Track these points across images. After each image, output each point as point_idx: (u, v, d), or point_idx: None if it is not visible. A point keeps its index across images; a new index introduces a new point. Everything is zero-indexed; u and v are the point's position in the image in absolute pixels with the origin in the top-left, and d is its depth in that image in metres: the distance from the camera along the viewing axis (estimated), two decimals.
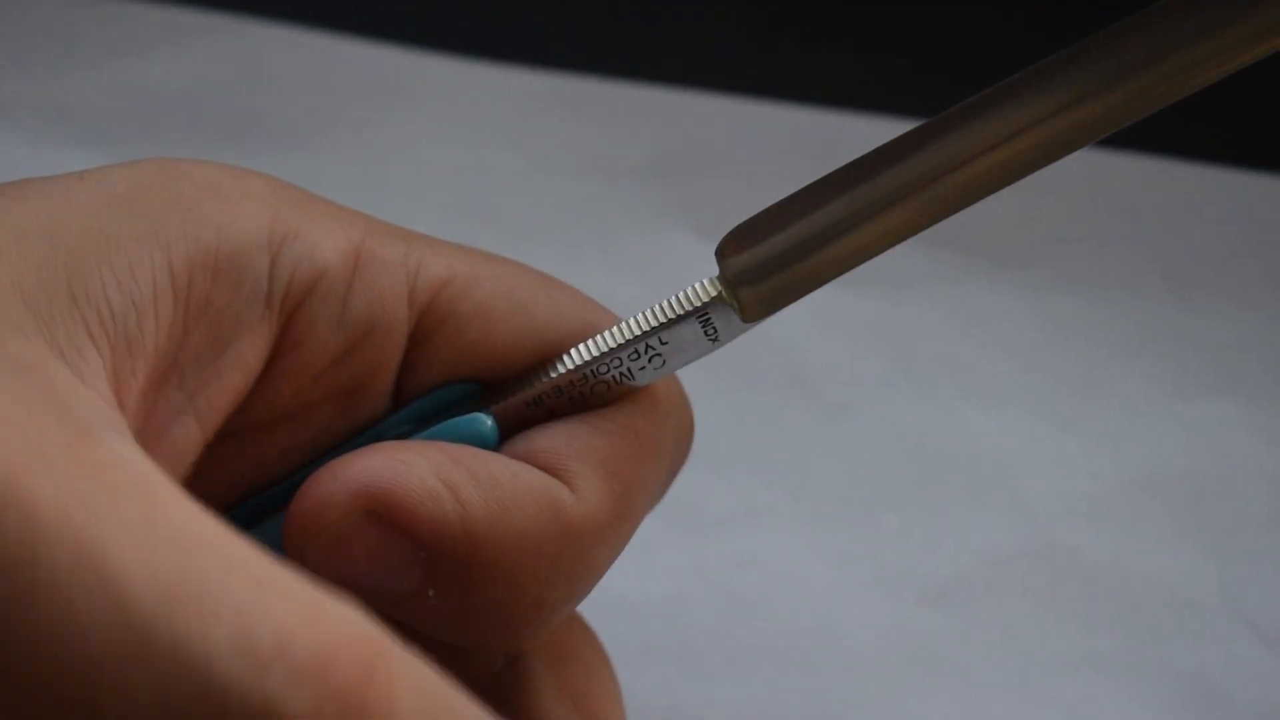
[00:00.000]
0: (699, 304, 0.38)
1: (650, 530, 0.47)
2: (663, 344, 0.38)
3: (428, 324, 0.38)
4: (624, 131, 0.60)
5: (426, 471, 0.36)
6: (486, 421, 0.38)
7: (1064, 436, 0.52)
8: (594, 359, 0.38)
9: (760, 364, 0.54)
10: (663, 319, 0.38)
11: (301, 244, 0.36)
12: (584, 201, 0.58)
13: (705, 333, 0.38)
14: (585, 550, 0.37)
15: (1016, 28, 0.61)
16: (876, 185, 0.37)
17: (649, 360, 0.38)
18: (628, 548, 0.39)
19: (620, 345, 0.38)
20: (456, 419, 0.38)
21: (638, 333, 0.38)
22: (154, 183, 0.35)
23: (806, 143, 0.58)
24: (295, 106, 0.61)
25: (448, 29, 0.63)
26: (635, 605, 0.48)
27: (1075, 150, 0.36)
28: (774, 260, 0.37)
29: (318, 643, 0.29)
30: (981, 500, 0.52)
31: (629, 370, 0.38)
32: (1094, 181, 0.57)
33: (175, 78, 0.62)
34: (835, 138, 0.58)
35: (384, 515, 0.35)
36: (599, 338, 0.38)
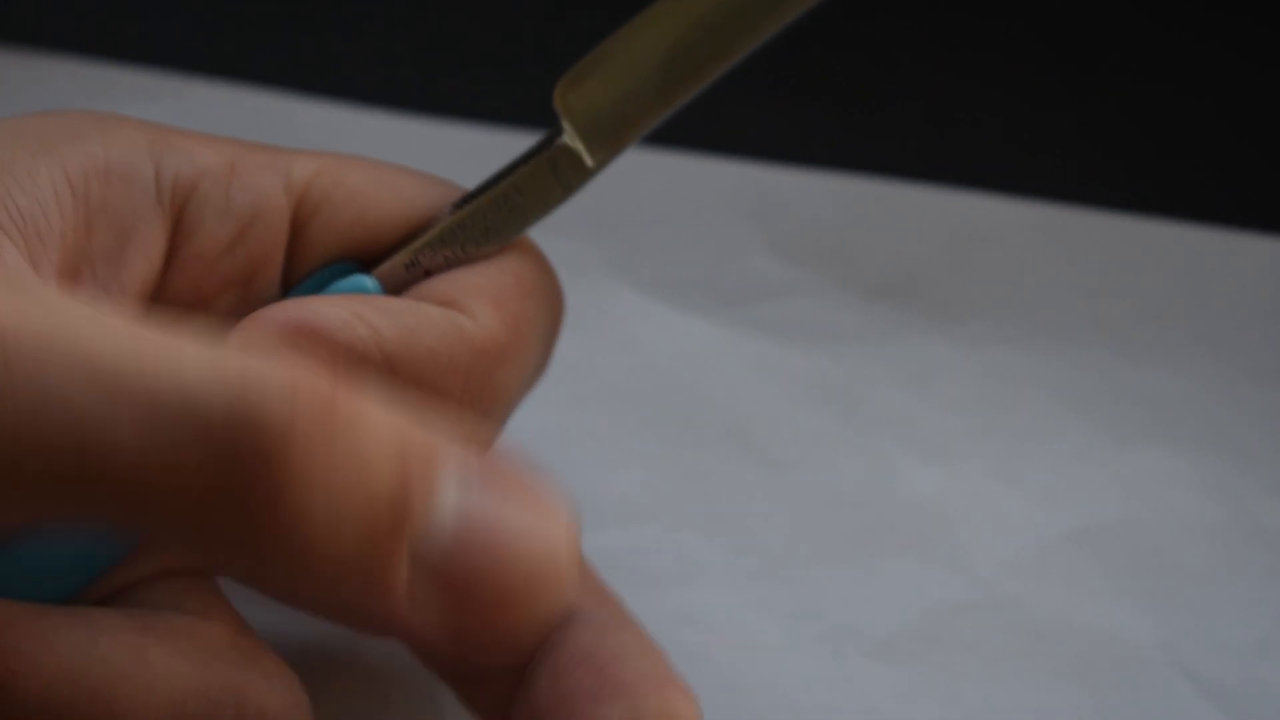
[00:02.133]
0: (546, 150, 0.42)
1: None
2: (519, 193, 0.42)
3: (305, 211, 0.42)
4: None
5: (339, 308, 0.40)
6: (368, 281, 0.42)
7: (1005, 489, 0.53)
8: (458, 217, 0.42)
9: (700, 419, 0.54)
10: (514, 166, 0.42)
11: (180, 152, 0.41)
12: None
13: (557, 178, 0.42)
14: (493, 366, 0.41)
15: (953, 79, 0.62)
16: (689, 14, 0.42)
17: (510, 213, 0.42)
18: None
19: (480, 202, 0.42)
20: (340, 282, 0.42)
21: (494, 185, 0.42)
22: (40, 120, 0.40)
23: (746, 197, 0.58)
24: None
25: (375, 84, 0.63)
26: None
27: None
28: (610, 103, 0.42)
29: (285, 363, 0.33)
30: (924, 554, 0.52)
31: (493, 225, 0.42)
32: (1031, 235, 0.57)
33: None
34: (775, 191, 0.58)
35: (308, 347, 0.39)
36: (460, 199, 0.42)
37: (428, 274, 0.42)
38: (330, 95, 0.63)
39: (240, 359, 0.33)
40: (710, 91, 0.55)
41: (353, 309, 0.40)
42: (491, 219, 0.42)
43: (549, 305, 0.44)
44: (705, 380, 0.54)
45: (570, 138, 0.42)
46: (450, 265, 0.42)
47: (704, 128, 0.60)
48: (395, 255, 0.42)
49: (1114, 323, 0.56)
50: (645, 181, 0.59)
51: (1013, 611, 0.51)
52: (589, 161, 0.42)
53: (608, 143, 0.42)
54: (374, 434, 0.33)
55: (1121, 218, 0.58)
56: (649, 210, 0.58)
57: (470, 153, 0.61)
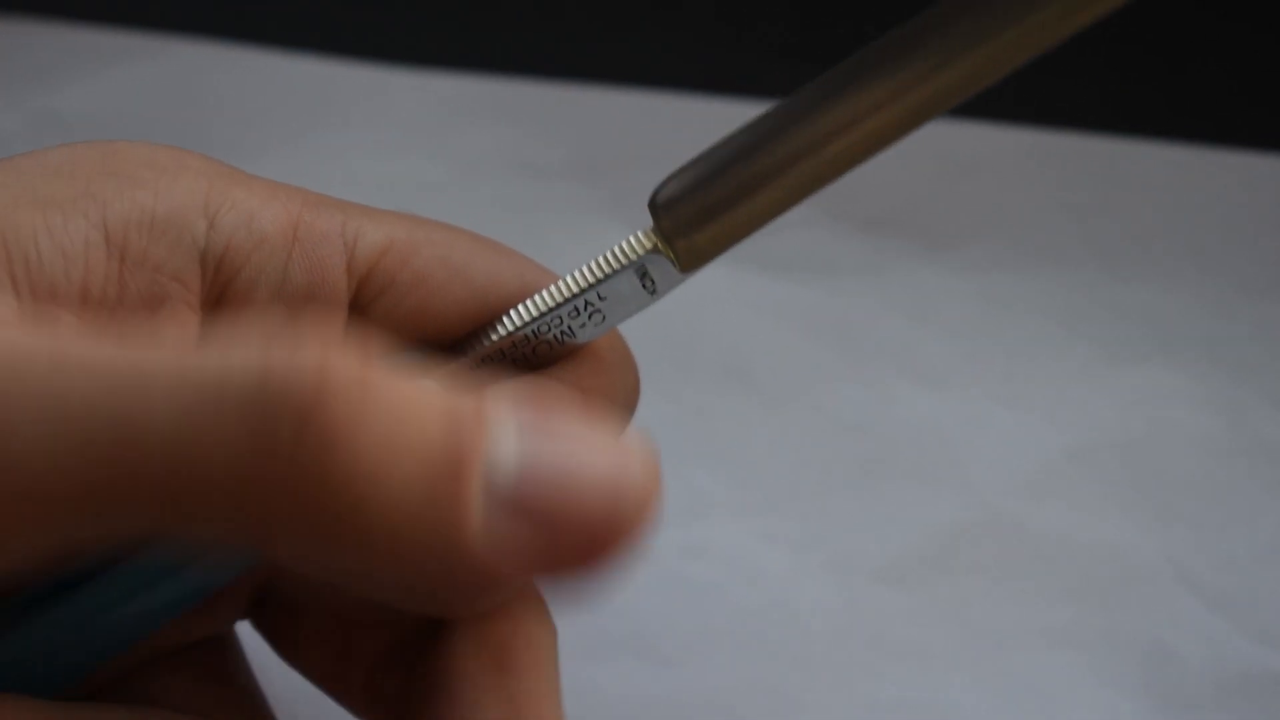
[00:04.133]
0: (636, 257, 0.38)
1: None
2: (601, 299, 0.38)
3: (367, 293, 0.38)
4: (550, 131, 0.60)
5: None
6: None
7: (1004, 412, 0.53)
8: (534, 318, 0.38)
9: (699, 355, 0.54)
10: (600, 274, 0.38)
11: (239, 212, 0.37)
12: (514, 203, 0.58)
13: (643, 285, 0.38)
14: None
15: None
16: (803, 129, 0.37)
17: (589, 317, 0.38)
18: None
19: (559, 303, 0.38)
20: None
21: (576, 290, 0.38)
22: (91, 155, 0.37)
23: None
24: (216, 124, 0.61)
25: (367, 37, 0.63)
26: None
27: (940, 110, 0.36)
28: (706, 209, 0.38)
29: (311, 338, 0.31)
30: (926, 479, 0.52)
31: (569, 328, 0.38)
32: (1021, 160, 0.58)
33: (92, 102, 0.62)
34: None
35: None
36: (537, 297, 0.38)
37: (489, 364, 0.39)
38: (315, 49, 0.63)
39: (262, 341, 0.32)
40: (697, 33, 0.55)
41: None
42: (570, 324, 0.38)
43: (620, 409, 0.41)
44: (702, 318, 0.54)
45: (664, 246, 0.38)
46: (520, 371, 0.39)
47: (696, 67, 0.61)
48: (463, 356, 0.39)
49: (1106, 243, 0.56)
50: (639, 123, 0.60)
51: (1016, 531, 0.51)
52: (679, 270, 0.38)
53: (702, 254, 0.38)
54: (413, 399, 0.32)
55: (1109, 140, 0.58)
56: (643, 152, 0.59)
57: (456, 102, 0.61)
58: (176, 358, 0.31)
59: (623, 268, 0.38)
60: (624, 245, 0.38)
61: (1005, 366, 0.54)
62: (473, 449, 0.31)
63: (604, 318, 0.38)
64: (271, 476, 0.30)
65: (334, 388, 0.31)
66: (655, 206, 0.38)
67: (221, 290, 0.37)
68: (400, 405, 0.31)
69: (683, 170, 0.38)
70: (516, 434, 0.32)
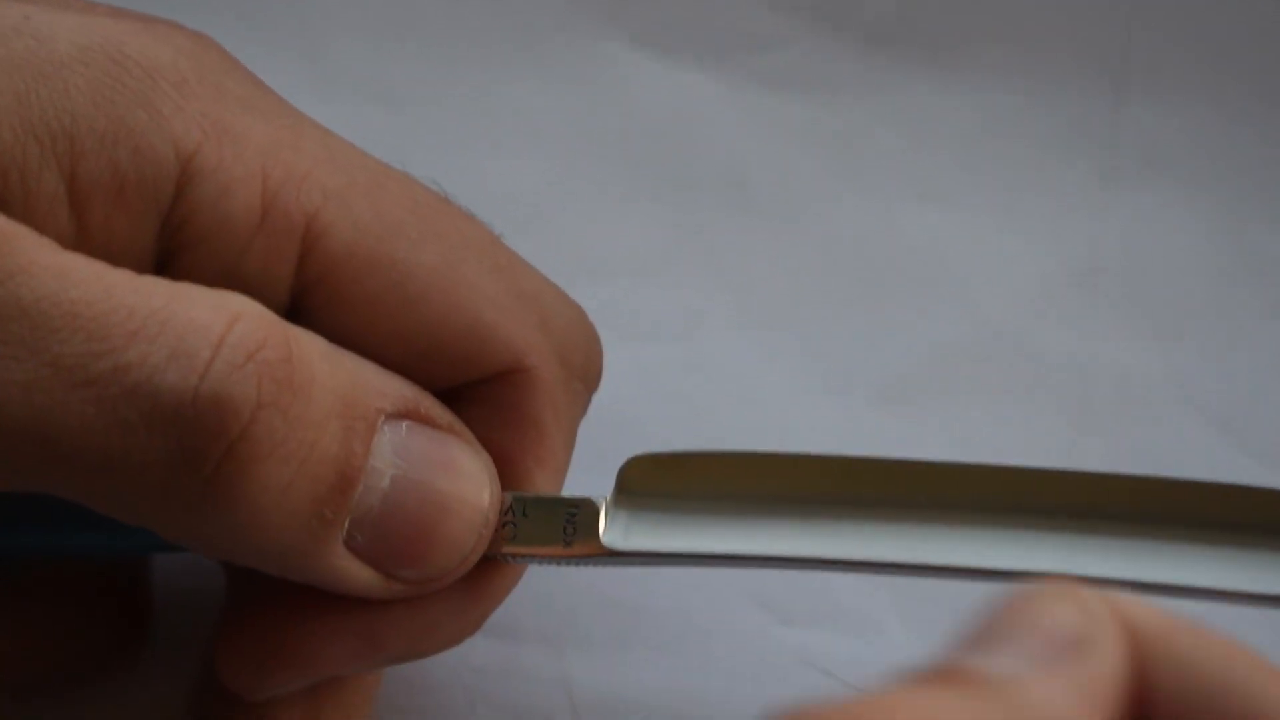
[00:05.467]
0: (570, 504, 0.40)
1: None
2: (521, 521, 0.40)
3: (313, 299, 0.39)
4: None
5: None
6: None
7: (1007, 230, 0.52)
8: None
9: (697, 172, 0.53)
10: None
11: (213, 184, 0.37)
12: (511, 13, 0.57)
13: (562, 535, 0.39)
14: None
15: None
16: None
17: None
18: None
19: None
20: None
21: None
22: (99, 61, 0.37)
23: None
24: None
25: None
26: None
27: None
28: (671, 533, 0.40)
29: (244, 337, 0.34)
30: (926, 298, 0.51)
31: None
32: None
33: None
34: None
35: None
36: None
37: None
38: None
39: (201, 326, 0.34)
40: None
41: None
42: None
43: (589, 376, 0.43)
44: (701, 133, 0.53)
45: (606, 511, 0.40)
46: None
47: None
48: None
49: (1110, 61, 0.55)
50: None
51: (1018, 351, 0.51)
52: (601, 539, 0.39)
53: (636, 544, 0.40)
54: (323, 394, 0.36)
55: None
56: None
57: None
58: (127, 370, 0.34)
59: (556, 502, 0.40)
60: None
61: (1008, 185, 0.53)
62: (357, 470, 0.36)
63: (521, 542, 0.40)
64: (185, 488, 0.34)
65: (263, 402, 0.34)
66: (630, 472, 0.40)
67: (169, 254, 0.37)
68: (310, 406, 0.35)
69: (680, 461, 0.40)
70: (392, 452, 0.37)
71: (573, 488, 0.42)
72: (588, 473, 0.43)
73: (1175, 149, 0.53)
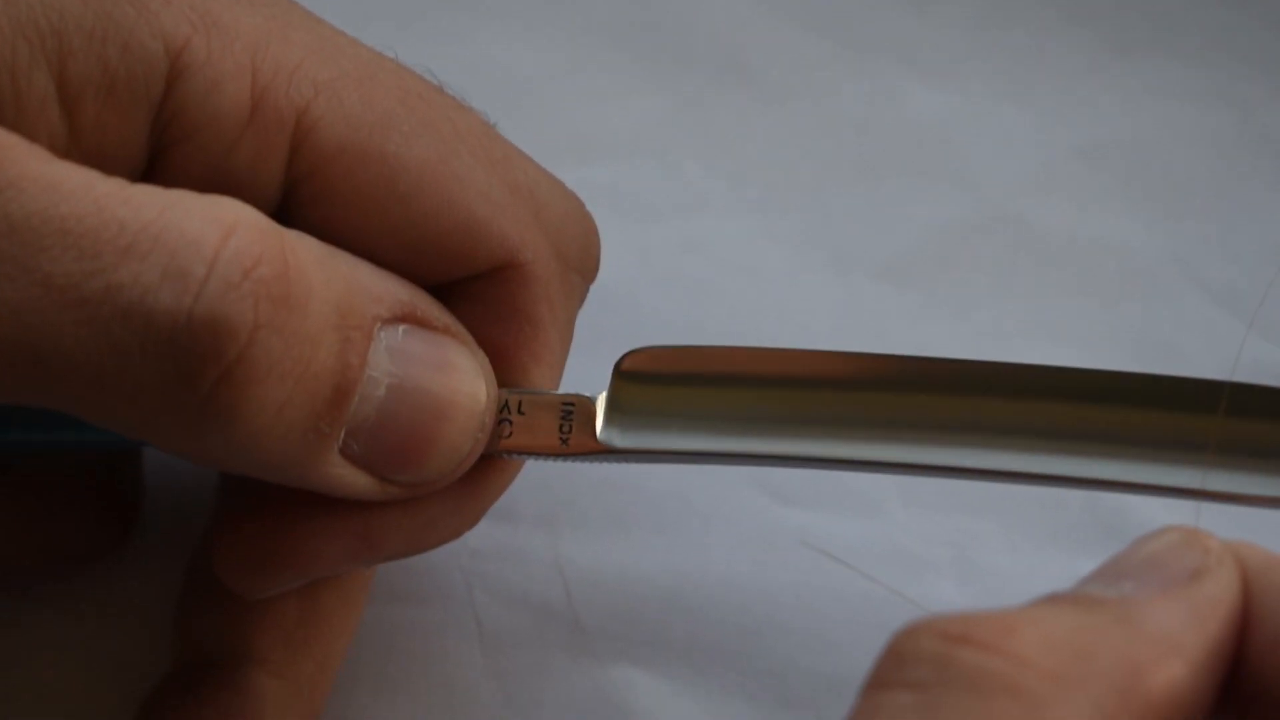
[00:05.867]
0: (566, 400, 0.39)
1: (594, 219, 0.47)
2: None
3: (302, 194, 0.38)
4: None
5: None
6: None
7: (1009, 108, 0.52)
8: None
9: (696, 51, 0.53)
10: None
11: (203, 78, 0.37)
12: None
13: (559, 432, 0.39)
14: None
15: None
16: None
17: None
18: None
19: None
20: None
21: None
22: None
23: None
24: None
25: None
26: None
27: None
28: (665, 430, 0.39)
29: (239, 252, 0.34)
30: (929, 176, 0.51)
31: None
32: None
33: None
34: None
35: None
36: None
37: None
38: None
39: (193, 239, 0.33)
40: None
41: None
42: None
43: (586, 267, 0.43)
44: (702, 14, 0.53)
45: (600, 407, 0.39)
46: None
47: None
48: None
49: None
50: None
51: (1020, 229, 0.50)
52: (598, 436, 0.39)
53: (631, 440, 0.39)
54: (320, 306, 0.35)
55: None
56: None
57: None
58: (119, 290, 0.33)
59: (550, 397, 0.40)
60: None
61: (1010, 60, 0.53)
62: (353, 382, 0.36)
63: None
64: (180, 408, 0.34)
65: (259, 322, 0.34)
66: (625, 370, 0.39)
67: (158, 150, 0.37)
68: (306, 320, 0.35)
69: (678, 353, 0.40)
70: (389, 359, 0.37)
71: (574, 371, 0.42)
72: (589, 356, 0.42)
73: (1180, 25, 0.53)
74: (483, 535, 0.45)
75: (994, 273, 0.50)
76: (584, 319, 0.43)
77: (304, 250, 0.35)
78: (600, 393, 0.39)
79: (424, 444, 0.37)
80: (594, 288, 0.43)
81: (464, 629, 0.45)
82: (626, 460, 0.39)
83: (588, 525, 0.46)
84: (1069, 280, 0.49)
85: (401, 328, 0.37)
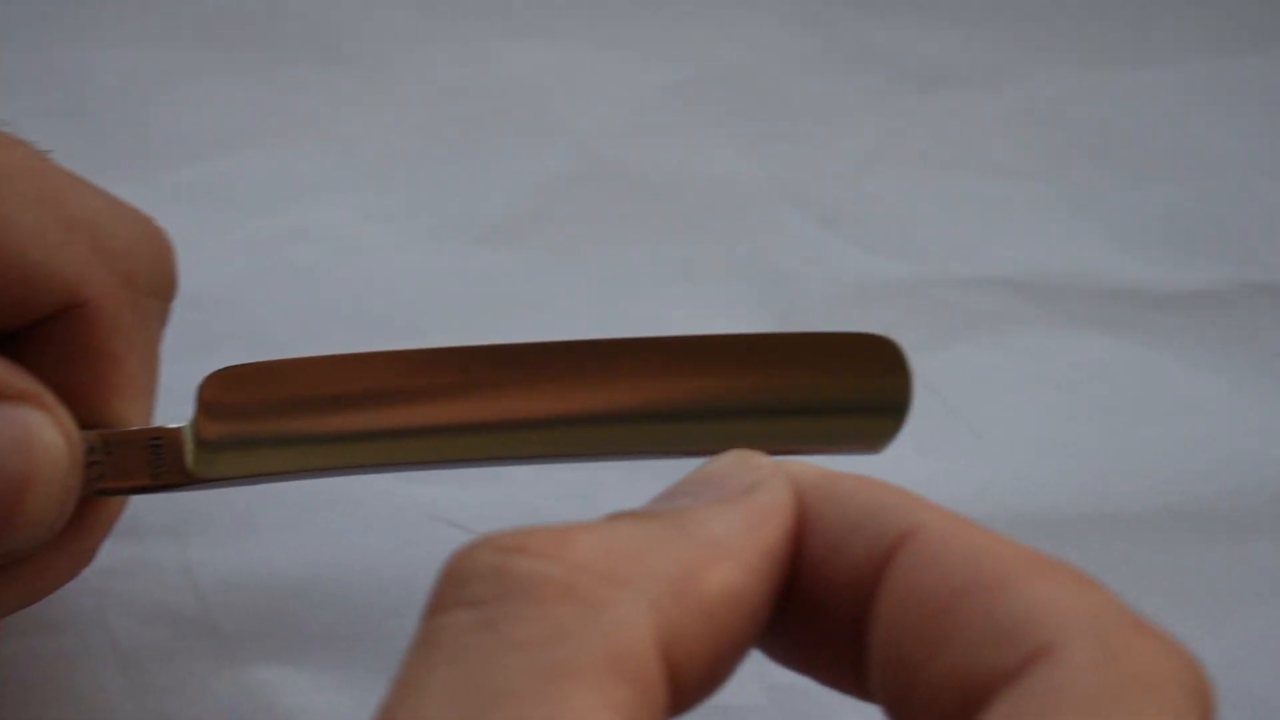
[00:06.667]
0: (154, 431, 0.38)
1: (192, 216, 0.46)
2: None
3: None
4: None
5: None
6: None
7: (600, 55, 0.52)
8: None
9: (285, 30, 0.52)
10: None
11: None
12: None
13: (149, 466, 0.38)
14: None
15: None
16: None
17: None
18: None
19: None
20: None
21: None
22: None
23: None
24: None
25: None
26: (193, 295, 0.47)
27: None
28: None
29: None
30: (527, 133, 0.51)
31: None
32: None
33: None
34: None
35: None
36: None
37: None
38: None
39: None
40: None
41: None
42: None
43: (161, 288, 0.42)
44: None
45: (190, 437, 0.38)
46: None
47: None
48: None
49: None
50: None
51: (623, 174, 0.51)
52: (190, 463, 0.38)
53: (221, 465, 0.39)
54: None
55: None
56: None
57: None
58: None
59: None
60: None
61: (596, 9, 0.53)
62: None
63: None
64: None
65: None
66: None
67: None
68: None
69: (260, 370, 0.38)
70: None
71: (197, 375, 0.41)
72: (209, 361, 0.42)
73: None
74: (110, 553, 0.44)
75: (603, 221, 0.50)
76: (196, 322, 0.42)
77: None
78: (188, 422, 0.39)
79: (8, 520, 0.36)
80: (206, 288, 0.43)
81: (101, 651, 0.44)
82: (223, 486, 0.38)
83: (215, 529, 0.45)
84: (676, 219, 0.50)
85: None
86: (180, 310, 0.42)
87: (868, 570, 0.30)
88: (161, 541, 0.45)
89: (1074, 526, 0.46)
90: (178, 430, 0.38)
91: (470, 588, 0.28)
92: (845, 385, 0.37)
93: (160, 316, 0.41)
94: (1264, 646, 0.45)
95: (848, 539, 0.31)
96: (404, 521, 0.45)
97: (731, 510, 0.31)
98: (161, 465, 0.38)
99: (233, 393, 0.38)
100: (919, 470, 0.47)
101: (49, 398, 0.38)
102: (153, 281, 0.40)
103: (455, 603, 0.28)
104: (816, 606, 0.31)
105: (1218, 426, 0.48)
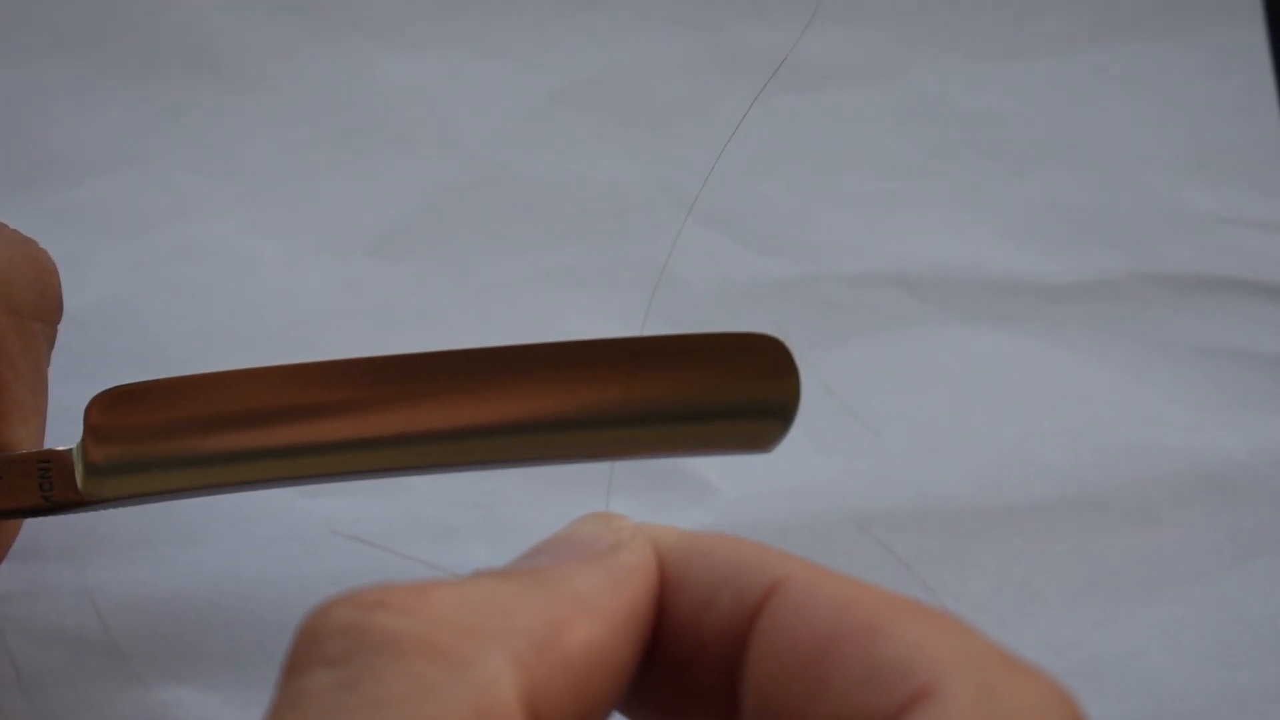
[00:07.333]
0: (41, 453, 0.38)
1: (76, 236, 0.46)
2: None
3: None
4: None
5: None
6: None
7: (483, 64, 0.52)
8: None
9: (165, 53, 0.52)
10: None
11: None
12: None
13: (40, 487, 0.38)
14: None
15: None
16: None
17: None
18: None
19: None
20: None
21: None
22: None
23: None
24: None
25: None
26: (82, 316, 0.47)
27: None
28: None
29: None
30: (412, 144, 0.51)
31: None
32: None
33: None
34: None
35: None
36: None
37: None
38: None
39: None
40: None
41: None
42: None
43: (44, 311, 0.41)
44: (160, 13, 0.52)
45: (79, 459, 0.38)
46: None
47: None
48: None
49: None
50: None
51: (510, 182, 0.51)
52: (80, 484, 0.38)
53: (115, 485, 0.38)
54: None
55: None
56: None
57: None
58: None
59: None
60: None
61: (479, 18, 0.53)
62: None
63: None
64: None
65: None
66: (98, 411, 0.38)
67: None
68: None
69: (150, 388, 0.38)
70: None
71: (88, 395, 0.41)
72: (99, 381, 0.42)
73: None
74: (7, 577, 0.44)
75: (490, 229, 0.50)
76: (86, 343, 0.42)
77: None
78: (76, 444, 0.38)
79: None
80: (94, 309, 0.43)
81: (1, 675, 0.44)
82: (116, 506, 0.38)
83: (114, 549, 0.45)
84: (563, 225, 0.50)
85: None
86: (68, 331, 0.42)
87: (737, 624, 0.30)
88: (59, 563, 0.45)
89: (973, 519, 0.47)
90: (67, 452, 0.38)
91: (328, 645, 0.28)
92: (734, 386, 0.37)
93: (47, 340, 0.40)
94: (1161, 634, 0.46)
95: (714, 595, 0.31)
96: (303, 536, 0.45)
97: (594, 568, 0.31)
98: (52, 488, 0.38)
99: (120, 413, 0.38)
100: (818, 470, 0.47)
101: None
102: (37, 305, 0.40)
103: (314, 662, 0.28)
104: (684, 665, 0.31)
105: (1112, 416, 0.48)
